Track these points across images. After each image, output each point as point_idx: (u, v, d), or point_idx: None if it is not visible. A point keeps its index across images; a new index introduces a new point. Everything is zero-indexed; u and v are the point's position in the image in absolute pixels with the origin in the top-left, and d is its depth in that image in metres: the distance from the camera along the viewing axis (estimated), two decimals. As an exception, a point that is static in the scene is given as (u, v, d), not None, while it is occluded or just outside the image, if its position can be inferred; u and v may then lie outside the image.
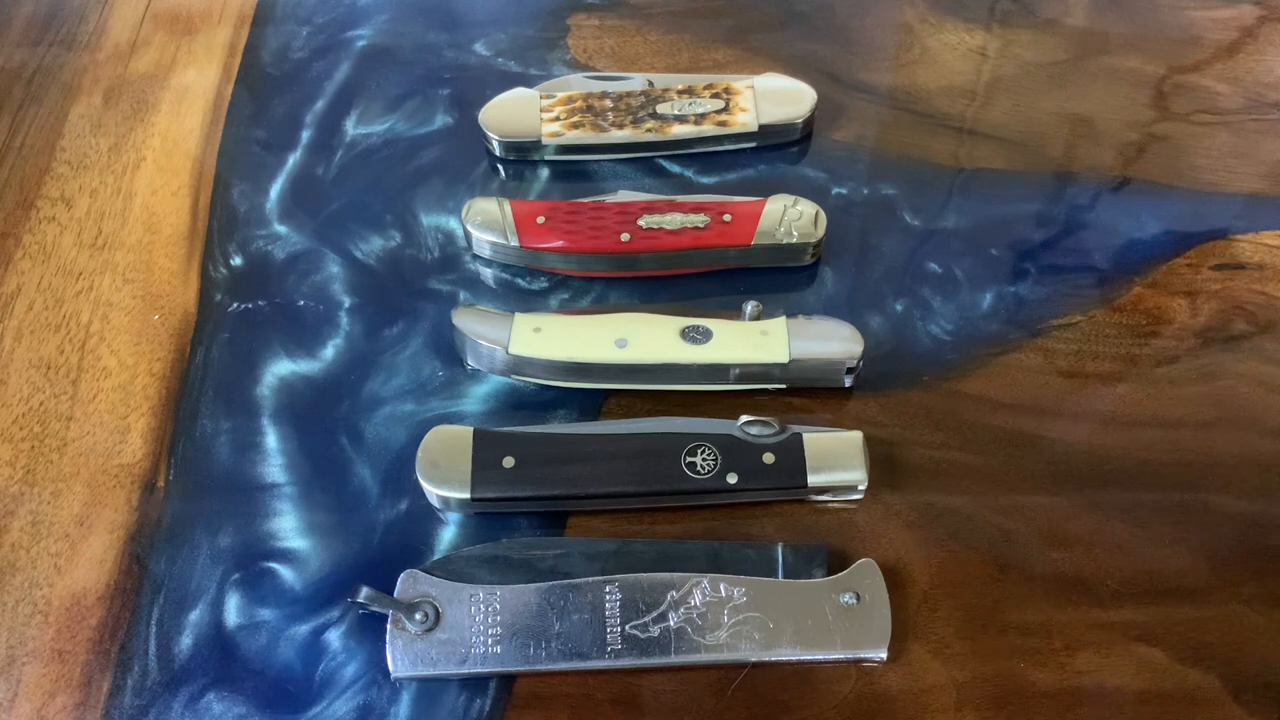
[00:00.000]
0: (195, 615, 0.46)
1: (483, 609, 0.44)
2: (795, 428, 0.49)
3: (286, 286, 0.57)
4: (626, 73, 0.65)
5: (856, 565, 0.45)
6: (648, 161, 0.62)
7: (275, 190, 0.61)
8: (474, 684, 0.44)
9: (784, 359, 0.50)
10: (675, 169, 0.62)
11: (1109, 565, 0.47)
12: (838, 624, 0.44)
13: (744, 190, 0.59)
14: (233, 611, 0.46)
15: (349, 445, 0.51)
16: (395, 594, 0.44)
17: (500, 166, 0.63)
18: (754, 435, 0.48)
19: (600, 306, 0.56)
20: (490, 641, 0.43)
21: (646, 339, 0.51)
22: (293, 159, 0.63)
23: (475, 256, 0.58)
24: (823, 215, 0.56)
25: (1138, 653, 0.44)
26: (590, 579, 0.45)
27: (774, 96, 0.62)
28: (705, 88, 0.62)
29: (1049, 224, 0.59)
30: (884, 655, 0.44)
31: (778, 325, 0.51)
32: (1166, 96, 0.66)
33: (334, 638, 0.45)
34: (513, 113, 0.62)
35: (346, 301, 0.56)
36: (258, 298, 0.57)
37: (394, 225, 0.60)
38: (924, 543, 0.48)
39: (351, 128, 0.64)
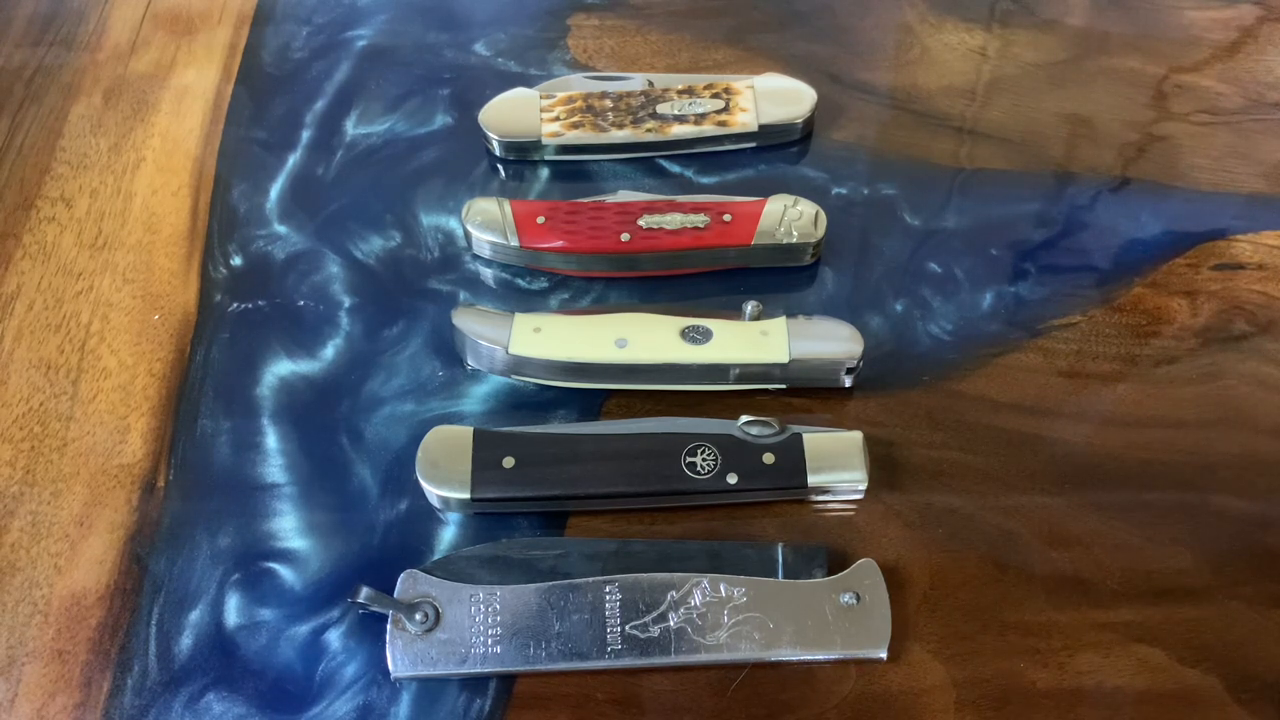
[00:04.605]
0: (195, 615, 0.46)
1: (483, 609, 0.44)
2: (795, 428, 0.49)
3: (286, 286, 0.57)
4: (626, 73, 0.65)
5: (856, 565, 0.45)
6: (648, 161, 0.62)
7: (275, 190, 0.61)
8: (474, 684, 0.44)
9: (784, 359, 0.50)
10: (675, 169, 0.62)
11: (1109, 565, 0.47)
12: (838, 624, 0.44)
13: (744, 190, 0.59)
14: (233, 611, 0.46)
15: (349, 445, 0.51)
16: (395, 594, 0.44)
17: (500, 166, 0.63)
18: (754, 435, 0.48)
19: (600, 306, 0.56)
20: (490, 641, 0.43)
21: (646, 339, 0.51)
22: (293, 159, 0.63)
23: (475, 256, 0.58)
24: (823, 215, 0.56)
25: (1138, 653, 0.44)
26: (590, 579, 0.45)
27: (774, 96, 0.62)
28: (705, 88, 0.62)
29: (1049, 224, 0.59)
30: (884, 655, 0.44)
31: (778, 325, 0.51)
32: (1166, 96, 0.66)
33: (334, 638, 0.45)
34: (513, 113, 0.62)
35: (346, 301, 0.56)
36: (258, 298, 0.57)
37: (394, 225, 0.60)
38: (924, 543, 0.48)
39: (351, 128, 0.64)
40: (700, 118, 0.61)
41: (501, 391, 0.53)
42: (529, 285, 0.57)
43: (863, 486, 0.48)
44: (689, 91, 0.62)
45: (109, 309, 0.56)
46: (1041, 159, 0.62)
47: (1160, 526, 0.48)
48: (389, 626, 0.43)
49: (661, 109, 0.61)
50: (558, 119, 0.61)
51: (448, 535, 0.48)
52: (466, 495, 0.47)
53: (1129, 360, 0.54)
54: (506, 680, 0.44)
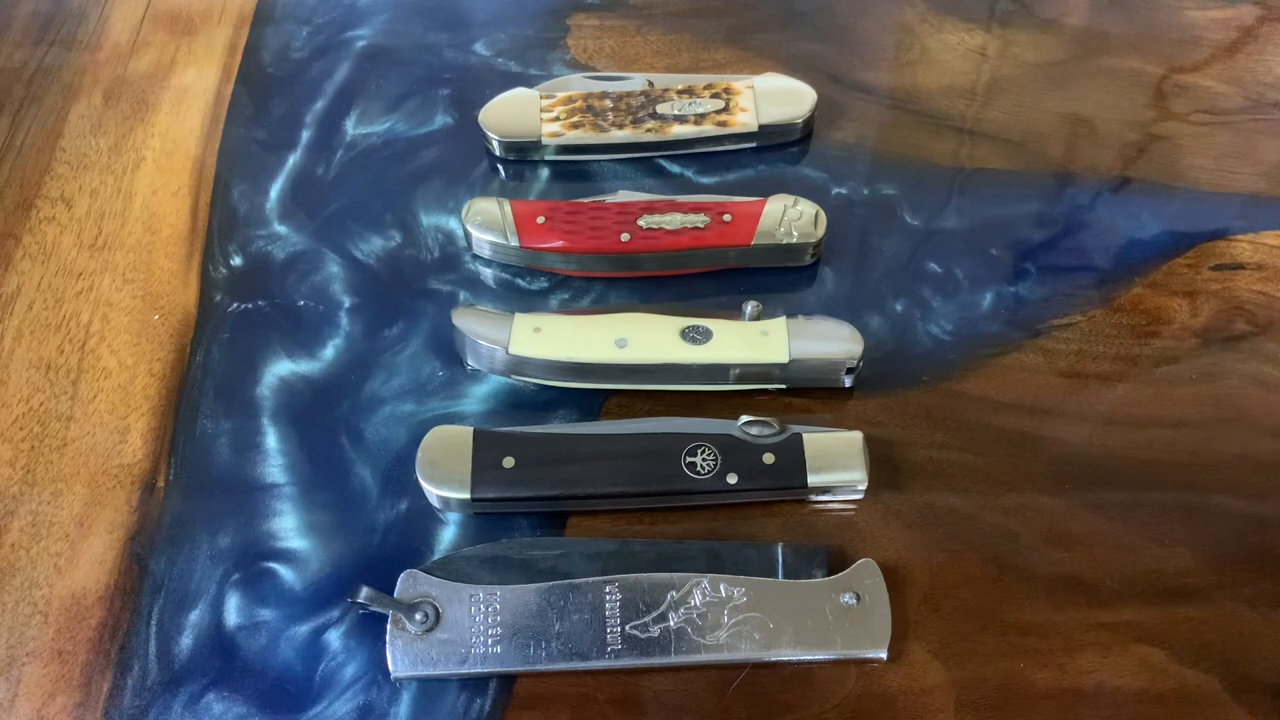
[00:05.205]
0: (195, 615, 0.46)
1: (483, 609, 0.44)
2: (795, 428, 0.49)
3: (286, 286, 0.57)
4: (626, 73, 0.65)
5: (856, 565, 0.45)
6: (648, 161, 0.62)
7: (275, 190, 0.61)
8: (474, 684, 0.44)
9: (784, 359, 0.50)
10: (675, 169, 0.62)
11: (1109, 565, 0.47)
12: (838, 624, 0.44)
13: (744, 190, 0.59)
14: (233, 611, 0.46)
15: (349, 445, 0.51)
16: (395, 594, 0.44)
17: (500, 166, 0.63)
18: (754, 435, 0.48)
19: (600, 306, 0.56)
20: (490, 641, 0.43)
21: (646, 339, 0.51)
22: (293, 159, 0.63)
23: (475, 256, 0.58)
24: (823, 215, 0.56)
25: (1138, 653, 0.44)
26: (590, 579, 0.45)
27: (774, 96, 0.62)
28: (705, 88, 0.62)
29: (1049, 224, 0.59)
30: (884, 655, 0.44)
31: (778, 325, 0.51)
32: (1166, 96, 0.66)
33: (334, 638, 0.45)
34: (513, 113, 0.62)
35: (346, 301, 0.56)
36: (258, 298, 0.57)
37: (394, 225, 0.60)
38: (924, 543, 0.48)
39: (351, 128, 0.64)
40: (700, 118, 0.61)
41: (501, 391, 0.53)
42: (529, 285, 0.57)
43: (863, 486, 0.48)
44: (689, 91, 0.62)
45: (109, 309, 0.56)
46: (1041, 159, 0.62)
47: (1160, 526, 0.48)
48: (389, 626, 0.43)
49: (661, 109, 0.61)
50: (558, 119, 0.61)
51: (448, 535, 0.48)
52: (466, 495, 0.47)
53: (1129, 360, 0.54)
54: (506, 680, 0.44)
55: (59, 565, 0.47)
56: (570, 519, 0.49)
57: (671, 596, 0.44)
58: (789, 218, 0.55)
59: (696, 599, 0.44)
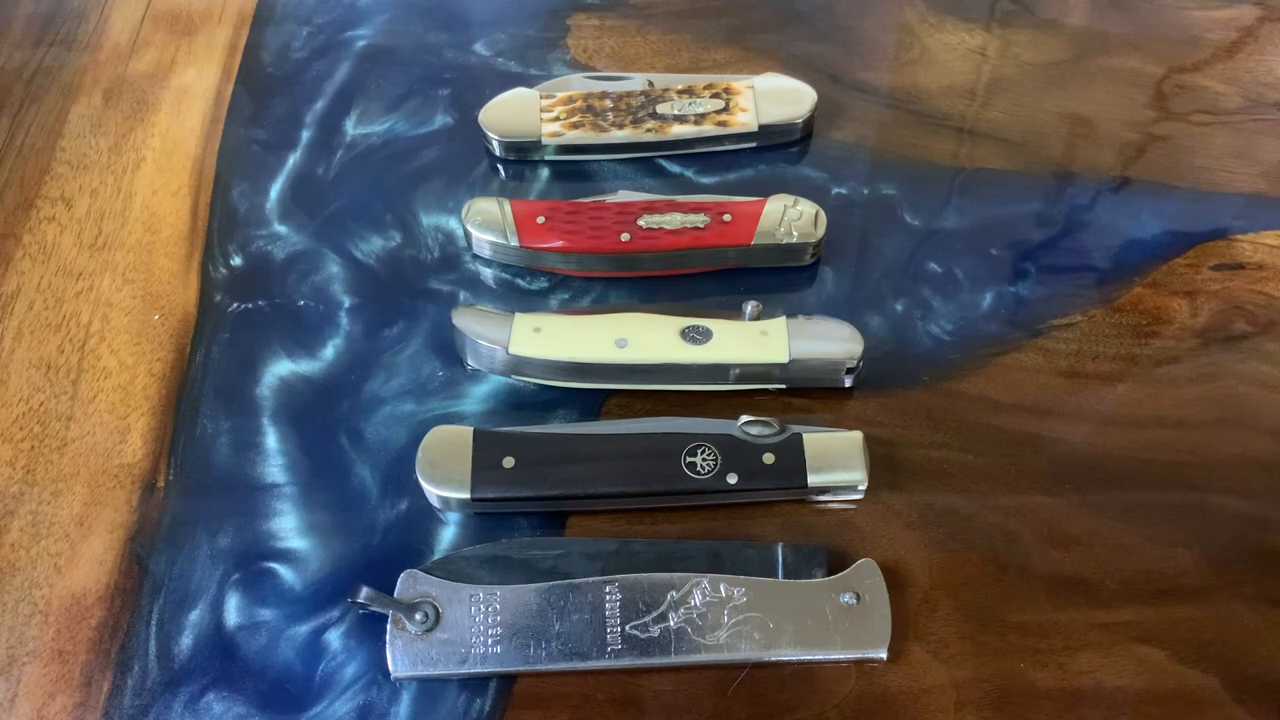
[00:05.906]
0: (195, 615, 0.46)
1: (483, 609, 0.44)
2: (795, 428, 0.49)
3: (286, 286, 0.57)
4: (626, 73, 0.65)
5: (856, 565, 0.45)
6: (648, 161, 0.62)
7: (275, 190, 0.61)
8: (474, 684, 0.44)
9: (784, 359, 0.50)
10: (675, 169, 0.62)
11: (1109, 565, 0.47)
12: (838, 624, 0.44)
13: (744, 190, 0.59)
14: (233, 611, 0.46)
15: (349, 445, 0.51)
16: (395, 594, 0.44)
17: (500, 166, 0.63)
18: (754, 435, 0.48)
19: (600, 306, 0.56)
20: (490, 641, 0.43)
21: (646, 339, 0.51)
22: (293, 159, 0.63)
23: (475, 256, 0.58)
24: (823, 215, 0.56)
25: (1138, 653, 0.44)
26: (590, 579, 0.45)
27: (774, 96, 0.62)
28: (705, 88, 0.62)
29: (1049, 224, 0.59)
30: (884, 655, 0.44)
31: (778, 325, 0.51)
32: (1166, 96, 0.66)
33: (334, 638, 0.45)
34: (513, 113, 0.62)
35: (346, 301, 0.56)
36: (258, 298, 0.57)
37: (394, 225, 0.60)
38: (924, 543, 0.48)
39: (351, 128, 0.64)
40: (700, 118, 0.61)
41: (501, 391, 0.53)
42: (529, 285, 0.57)
43: (863, 486, 0.48)
44: (689, 91, 0.62)
45: (109, 309, 0.56)
46: (1041, 159, 0.62)
47: (1160, 526, 0.48)
48: (389, 626, 0.43)
49: (661, 109, 0.61)
50: (558, 119, 0.61)
51: (448, 535, 0.48)
52: (466, 495, 0.47)
53: (1129, 360, 0.54)
54: (506, 680, 0.44)
55: (59, 565, 0.47)
56: (570, 519, 0.49)
57: (671, 596, 0.44)
58: (789, 218, 0.55)
59: (696, 599, 0.44)
